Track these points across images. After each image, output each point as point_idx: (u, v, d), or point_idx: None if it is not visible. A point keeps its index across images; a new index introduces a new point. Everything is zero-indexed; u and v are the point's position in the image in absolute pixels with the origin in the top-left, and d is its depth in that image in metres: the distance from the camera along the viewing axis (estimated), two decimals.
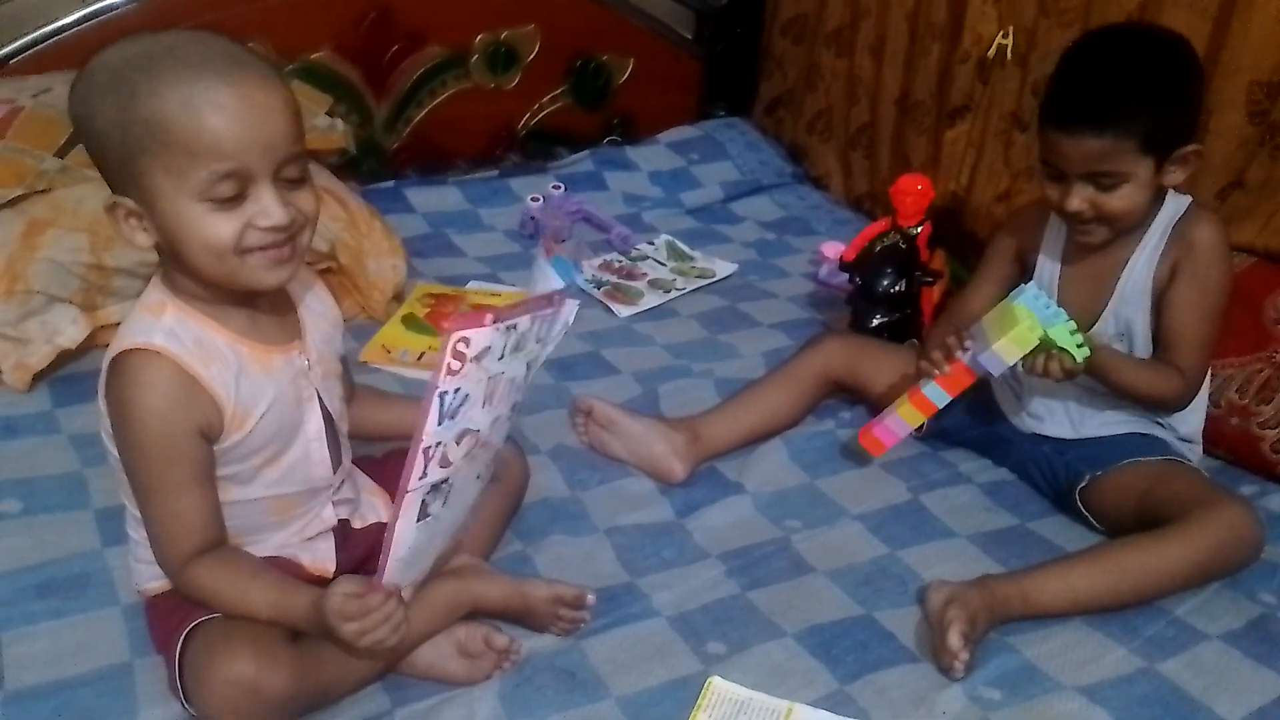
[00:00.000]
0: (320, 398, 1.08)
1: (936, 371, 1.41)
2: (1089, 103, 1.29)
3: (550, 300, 0.99)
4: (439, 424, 0.91)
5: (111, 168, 0.94)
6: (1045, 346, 1.33)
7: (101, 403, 1.00)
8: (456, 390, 0.90)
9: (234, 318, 1.01)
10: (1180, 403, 1.42)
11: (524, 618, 1.15)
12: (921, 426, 1.57)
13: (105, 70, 0.92)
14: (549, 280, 1.07)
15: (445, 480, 0.97)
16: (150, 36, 0.93)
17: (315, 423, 1.07)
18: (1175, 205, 1.40)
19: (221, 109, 0.90)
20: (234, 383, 0.99)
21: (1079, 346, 1.32)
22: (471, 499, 1.05)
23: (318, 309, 1.11)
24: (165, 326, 0.97)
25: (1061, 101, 1.33)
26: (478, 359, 0.91)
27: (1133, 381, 1.38)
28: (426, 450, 0.91)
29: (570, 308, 1.03)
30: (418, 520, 0.96)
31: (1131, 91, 1.29)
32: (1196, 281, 1.37)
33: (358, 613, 0.95)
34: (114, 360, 0.97)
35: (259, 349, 1.02)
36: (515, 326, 0.94)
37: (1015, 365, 1.35)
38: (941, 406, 1.43)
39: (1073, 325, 1.33)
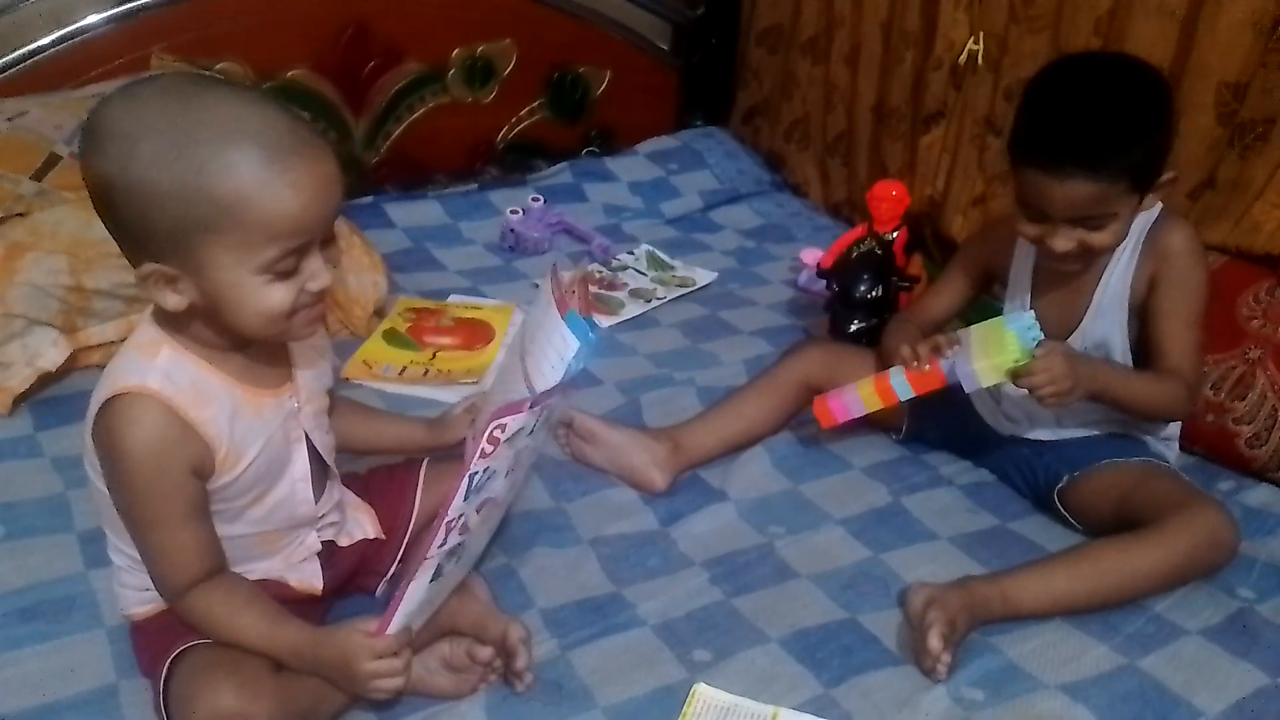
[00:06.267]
0: (308, 437, 1.08)
1: (913, 364, 1.41)
2: (1079, 145, 1.24)
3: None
4: (464, 499, 0.94)
5: (155, 235, 0.89)
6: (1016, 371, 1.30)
7: (88, 439, 0.98)
8: (486, 470, 0.94)
9: (230, 361, 0.99)
10: (1185, 410, 1.41)
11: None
12: (901, 429, 1.59)
13: (150, 134, 0.86)
14: (565, 342, 1.07)
15: (461, 544, 1.00)
16: (180, 89, 0.88)
17: (301, 463, 1.07)
18: (1146, 215, 1.38)
19: (301, 190, 0.89)
20: (228, 425, 0.97)
21: (1016, 361, 1.29)
22: (480, 550, 1.07)
23: (308, 342, 1.09)
24: (160, 367, 0.95)
25: (1047, 143, 1.26)
26: (510, 440, 0.94)
27: (1139, 395, 1.36)
28: (449, 523, 0.94)
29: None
30: (431, 580, 0.99)
31: (1121, 132, 1.25)
32: (1179, 288, 1.36)
33: (385, 649, 0.97)
34: (106, 403, 0.94)
35: (250, 392, 1.01)
36: (549, 407, 0.99)
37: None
38: (902, 400, 1.43)
39: (1021, 349, 1.30)
